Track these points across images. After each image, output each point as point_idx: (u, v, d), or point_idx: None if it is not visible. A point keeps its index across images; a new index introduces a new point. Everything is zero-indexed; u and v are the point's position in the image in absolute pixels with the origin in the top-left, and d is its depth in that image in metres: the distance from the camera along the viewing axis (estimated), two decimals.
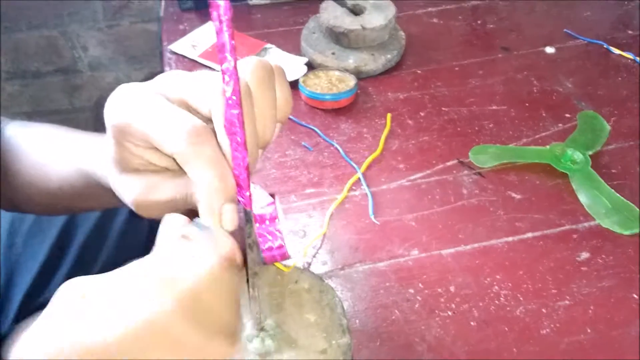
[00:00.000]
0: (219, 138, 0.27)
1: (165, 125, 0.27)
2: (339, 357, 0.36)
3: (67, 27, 1.09)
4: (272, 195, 0.32)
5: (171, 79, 0.29)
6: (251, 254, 0.32)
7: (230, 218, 0.27)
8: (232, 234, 0.29)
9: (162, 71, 0.72)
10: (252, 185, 0.30)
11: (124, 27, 1.11)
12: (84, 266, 0.66)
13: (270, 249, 0.33)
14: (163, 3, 0.81)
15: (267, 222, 0.32)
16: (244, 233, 0.31)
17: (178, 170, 0.29)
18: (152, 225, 0.29)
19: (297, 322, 0.38)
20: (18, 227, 0.63)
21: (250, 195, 0.29)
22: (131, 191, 0.31)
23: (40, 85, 1.18)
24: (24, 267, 0.61)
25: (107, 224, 0.64)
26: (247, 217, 0.31)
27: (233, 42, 0.25)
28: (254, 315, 0.35)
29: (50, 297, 0.26)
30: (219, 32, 0.25)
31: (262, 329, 0.36)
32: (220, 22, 0.24)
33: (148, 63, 1.17)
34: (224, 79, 0.26)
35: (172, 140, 0.27)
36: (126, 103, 0.28)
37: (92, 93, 1.21)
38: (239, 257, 0.28)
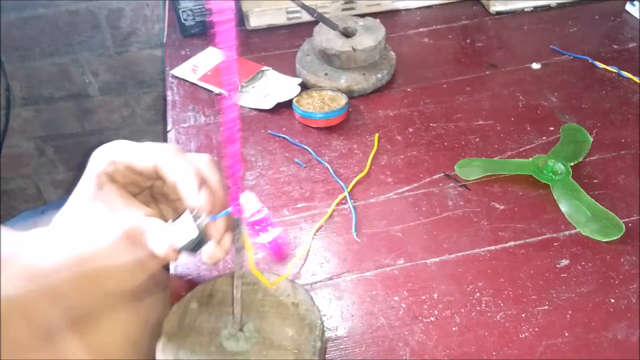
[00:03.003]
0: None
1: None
2: None
3: (78, 54, 1.14)
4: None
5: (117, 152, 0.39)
6: (237, 258, 0.35)
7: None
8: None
9: (165, 95, 0.75)
10: (244, 194, 0.34)
11: (131, 53, 1.15)
12: None
13: (274, 242, 0.36)
14: (166, 30, 0.85)
15: (266, 223, 0.36)
16: (234, 239, 0.35)
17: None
18: None
19: (276, 333, 0.40)
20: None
21: (240, 204, 0.33)
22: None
23: (53, 111, 1.23)
24: None
25: None
26: (236, 224, 0.34)
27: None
28: (235, 316, 0.38)
29: None
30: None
31: (241, 330, 0.39)
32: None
33: (155, 87, 1.21)
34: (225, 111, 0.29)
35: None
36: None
37: (102, 117, 1.26)
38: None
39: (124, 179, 0.39)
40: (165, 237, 0.35)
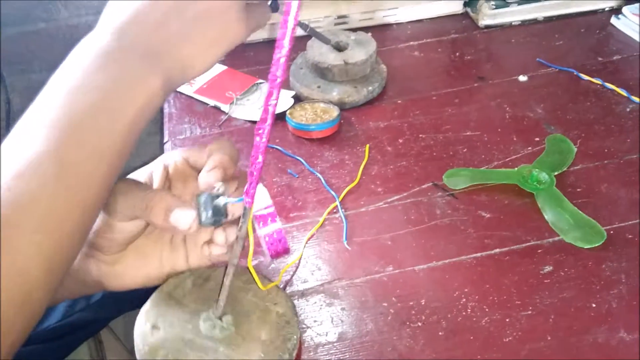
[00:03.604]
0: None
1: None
2: None
3: None
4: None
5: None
6: (236, 246, 0.37)
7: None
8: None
9: (162, 107, 0.77)
10: (259, 186, 0.36)
11: None
12: None
13: (273, 242, 0.38)
14: None
15: (270, 219, 0.38)
16: (239, 226, 0.37)
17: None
18: None
19: (250, 333, 0.42)
20: None
21: (254, 194, 0.35)
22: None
23: None
24: None
25: None
26: (244, 212, 0.36)
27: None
28: (219, 302, 0.40)
29: None
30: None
31: (220, 318, 0.41)
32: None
33: None
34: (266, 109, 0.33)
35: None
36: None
37: None
38: None
39: (177, 170, 0.42)
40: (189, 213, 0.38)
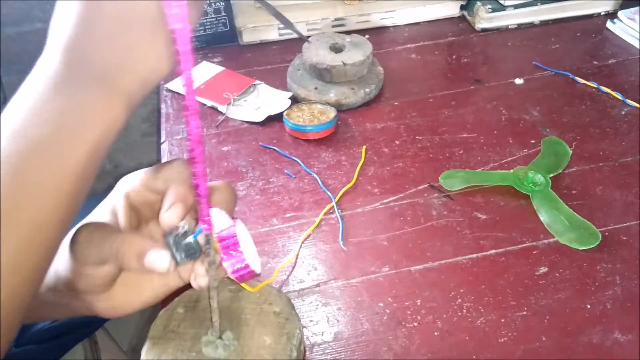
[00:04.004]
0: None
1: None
2: None
3: None
4: (234, 219, 0.37)
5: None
6: (211, 271, 0.37)
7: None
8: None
9: (159, 107, 0.77)
10: (213, 210, 0.35)
11: None
12: None
13: (237, 270, 0.37)
14: None
15: (231, 246, 0.37)
16: (206, 254, 0.36)
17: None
18: None
19: (254, 340, 0.41)
20: None
21: (209, 220, 0.34)
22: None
23: None
24: None
25: None
26: (207, 239, 0.36)
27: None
28: (214, 324, 0.39)
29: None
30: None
31: (220, 337, 0.40)
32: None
33: (150, 100, 1.23)
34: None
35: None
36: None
37: None
38: None
39: (139, 197, 0.39)
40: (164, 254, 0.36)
